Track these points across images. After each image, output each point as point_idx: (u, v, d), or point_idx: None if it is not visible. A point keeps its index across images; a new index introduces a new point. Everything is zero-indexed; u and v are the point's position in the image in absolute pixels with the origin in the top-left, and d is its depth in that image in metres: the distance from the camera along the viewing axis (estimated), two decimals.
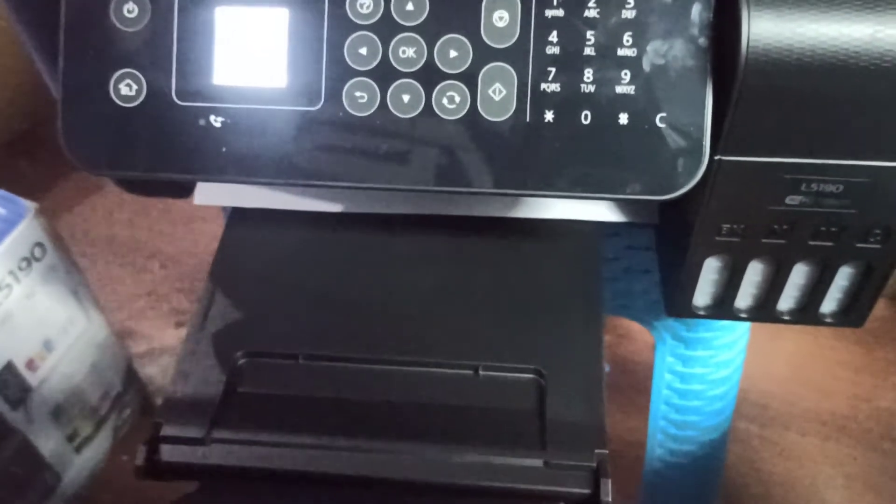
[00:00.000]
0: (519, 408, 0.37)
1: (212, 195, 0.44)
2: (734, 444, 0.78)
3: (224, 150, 0.35)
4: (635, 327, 0.67)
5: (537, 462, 0.35)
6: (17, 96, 1.05)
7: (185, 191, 0.45)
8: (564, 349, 0.39)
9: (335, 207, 0.44)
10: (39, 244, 0.70)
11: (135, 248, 1.00)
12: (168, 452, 0.35)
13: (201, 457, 0.35)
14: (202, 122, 0.35)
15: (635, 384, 0.84)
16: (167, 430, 0.35)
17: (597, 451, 0.34)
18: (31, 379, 0.71)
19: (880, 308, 0.94)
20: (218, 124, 0.35)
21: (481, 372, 0.38)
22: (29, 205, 0.69)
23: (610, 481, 0.33)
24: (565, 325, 0.40)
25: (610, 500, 0.33)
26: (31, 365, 0.71)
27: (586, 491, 0.33)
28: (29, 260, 0.69)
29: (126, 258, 0.99)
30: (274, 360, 0.38)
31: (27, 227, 0.68)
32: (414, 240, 0.44)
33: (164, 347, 0.91)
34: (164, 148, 0.36)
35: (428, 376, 0.38)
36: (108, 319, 0.80)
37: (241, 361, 0.38)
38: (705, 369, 0.56)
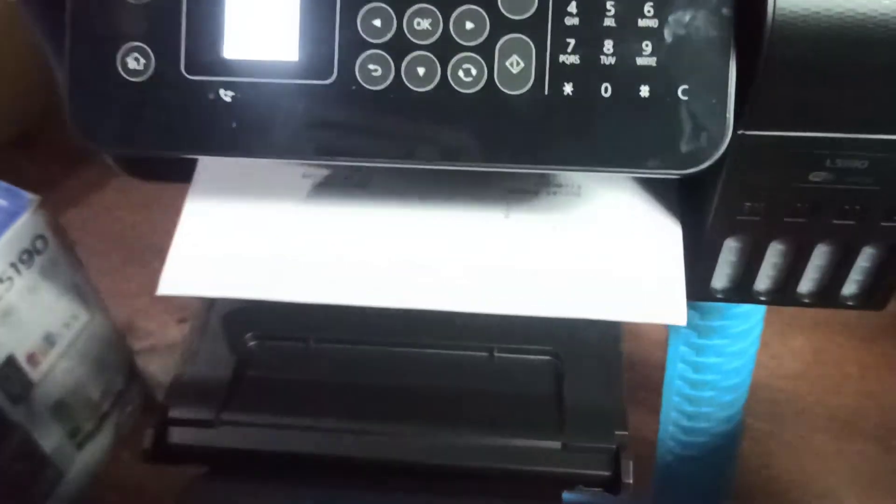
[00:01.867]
0: (535, 390, 0.36)
1: (180, 284, 0.39)
2: (744, 442, 0.78)
3: (234, 125, 0.34)
4: (644, 325, 0.66)
5: (556, 444, 0.34)
6: (18, 96, 1.04)
7: (187, 175, 0.44)
8: (581, 332, 0.38)
9: (319, 297, 0.38)
10: (41, 237, 0.69)
11: (138, 244, 1.00)
12: (177, 435, 0.34)
13: (210, 439, 0.34)
14: (212, 96, 0.34)
15: (643, 382, 0.83)
16: (175, 413, 0.35)
17: (617, 432, 0.33)
18: (33, 374, 0.70)
19: (890, 304, 0.93)
20: (228, 99, 0.34)
21: (496, 354, 0.37)
22: (31, 197, 0.68)
23: (631, 462, 0.32)
24: None
25: (631, 481, 0.32)
26: (32, 359, 0.70)
27: (606, 473, 0.33)
28: (31, 252, 0.68)
29: (129, 254, 0.98)
30: (284, 342, 0.38)
31: (29, 220, 0.68)
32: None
33: (167, 344, 0.90)
34: (173, 123, 0.35)
35: (441, 358, 0.37)
36: (111, 315, 0.80)
37: (251, 344, 0.37)
38: (718, 359, 0.55)
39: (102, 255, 0.97)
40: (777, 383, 0.90)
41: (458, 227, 0.38)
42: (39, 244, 0.69)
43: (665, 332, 0.57)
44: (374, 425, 0.35)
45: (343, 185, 0.40)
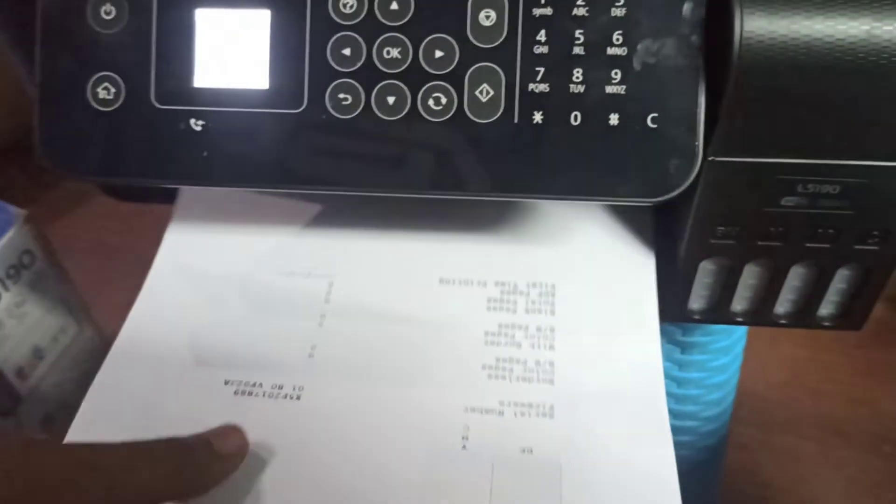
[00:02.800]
0: None
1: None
2: (733, 450, 0.78)
3: (205, 154, 0.34)
4: None
5: None
6: (8, 104, 1.04)
7: (167, 196, 0.44)
8: None
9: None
10: (28, 251, 0.69)
11: (126, 255, 0.99)
12: None
13: None
14: (182, 125, 0.34)
15: None
16: None
17: None
18: (21, 388, 0.70)
19: (878, 310, 0.93)
20: (198, 128, 0.34)
21: None
22: (17, 212, 0.68)
23: None
24: None
25: None
26: (20, 374, 0.70)
27: None
28: (18, 268, 0.68)
29: (117, 266, 0.98)
30: None
31: (16, 235, 0.67)
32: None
33: None
34: (144, 153, 0.35)
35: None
36: (100, 328, 0.79)
37: None
38: (701, 374, 0.55)
39: (91, 265, 0.96)
40: (766, 391, 0.90)
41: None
42: (27, 259, 0.69)
43: None
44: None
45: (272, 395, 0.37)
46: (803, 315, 0.40)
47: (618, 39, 0.33)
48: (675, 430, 0.58)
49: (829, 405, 0.89)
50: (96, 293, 0.91)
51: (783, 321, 0.41)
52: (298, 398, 0.36)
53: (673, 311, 0.41)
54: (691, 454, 0.59)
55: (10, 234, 0.67)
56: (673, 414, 0.57)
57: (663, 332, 0.53)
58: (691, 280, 0.39)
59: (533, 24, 0.33)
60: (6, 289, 0.67)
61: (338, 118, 0.34)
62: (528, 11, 0.33)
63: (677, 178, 0.33)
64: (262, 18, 0.34)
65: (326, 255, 0.41)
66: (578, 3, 0.33)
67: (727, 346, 0.54)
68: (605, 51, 0.33)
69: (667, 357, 0.54)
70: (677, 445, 0.58)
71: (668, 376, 0.55)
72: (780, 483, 0.82)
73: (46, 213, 1.02)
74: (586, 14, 0.33)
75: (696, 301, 0.41)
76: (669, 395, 0.56)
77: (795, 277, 0.39)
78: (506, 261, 0.40)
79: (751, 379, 0.88)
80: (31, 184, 1.01)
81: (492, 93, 0.33)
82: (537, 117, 0.33)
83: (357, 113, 0.34)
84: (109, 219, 1.05)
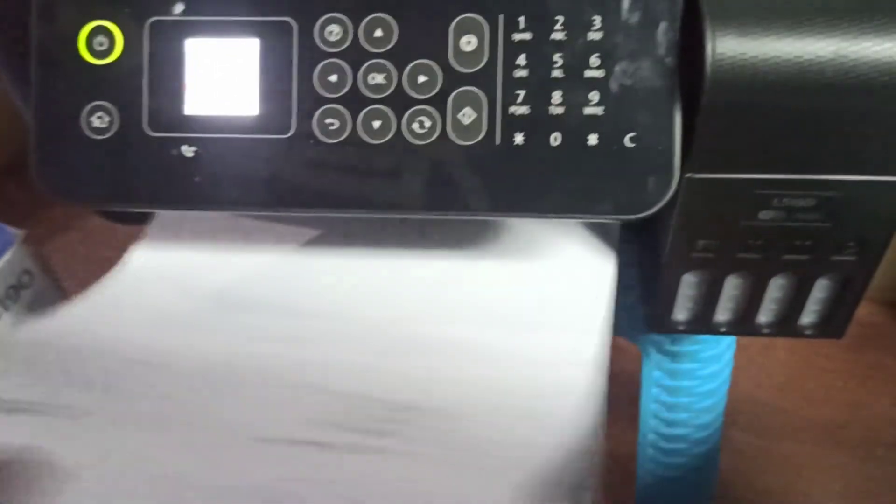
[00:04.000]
0: None
1: None
2: (729, 455, 0.78)
3: (197, 179, 0.35)
4: (624, 340, 0.67)
5: None
6: (7, 122, 1.05)
7: None
8: None
9: None
10: (27, 271, 0.70)
11: None
12: None
13: None
14: (174, 152, 0.35)
15: (629, 397, 0.84)
16: None
17: None
18: None
19: (870, 314, 0.94)
20: (190, 154, 0.35)
21: None
22: (16, 232, 0.69)
23: None
24: None
25: None
26: None
27: None
28: (17, 288, 0.69)
29: None
30: None
31: (15, 255, 0.68)
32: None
33: None
34: (137, 179, 0.36)
35: None
36: None
37: None
38: (692, 382, 0.55)
39: (89, 282, 0.97)
40: (762, 395, 0.91)
41: None
42: (25, 279, 0.70)
43: None
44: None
45: None
46: (785, 324, 0.41)
47: (595, 62, 0.34)
48: (667, 439, 0.59)
49: (824, 410, 0.89)
50: None
51: (766, 330, 0.42)
52: None
53: (659, 322, 0.42)
54: (684, 461, 0.59)
55: (9, 254, 0.68)
56: (665, 422, 0.58)
57: (652, 343, 0.54)
58: (675, 292, 0.40)
59: (513, 49, 0.34)
60: (6, 308, 0.68)
61: (325, 142, 0.35)
62: (507, 37, 0.34)
63: (655, 195, 0.34)
64: (250, 47, 0.35)
65: None
66: (556, 27, 0.34)
67: (716, 354, 0.54)
68: (583, 73, 0.34)
69: (657, 366, 0.55)
70: (670, 453, 0.59)
71: (658, 385, 0.56)
72: (777, 488, 0.83)
73: (45, 231, 1.02)
74: (564, 38, 0.34)
75: (681, 312, 0.42)
76: (662, 403, 0.57)
77: (776, 288, 0.40)
78: None
79: (746, 385, 0.89)
80: (29, 201, 1.02)
81: (474, 115, 0.34)
82: (518, 139, 0.34)
83: (344, 137, 0.35)
84: (108, 236, 1.05)
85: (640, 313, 0.52)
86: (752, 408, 0.90)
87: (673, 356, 0.54)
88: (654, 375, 0.56)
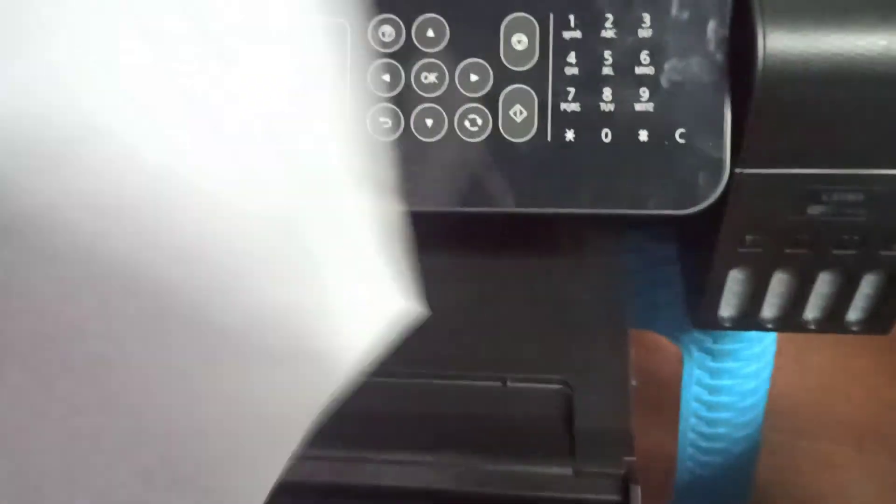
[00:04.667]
0: (547, 418, 0.38)
1: None
2: (766, 456, 0.78)
3: None
4: (664, 340, 0.67)
5: (567, 471, 0.35)
6: None
7: None
8: (591, 361, 0.39)
9: None
10: None
11: None
12: None
13: None
14: None
15: (664, 397, 0.84)
16: None
17: (625, 458, 0.35)
18: None
19: None
20: None
21: (509, 384, 0.38)
22: None
23: (639, 488, 0.33)
24: (592, 337, 0.40)
25: None
26: None
27: (616, 498, 0.34)
28: None
29: None
30: None
31: None
32: (442, 255, 0.44)
33: None
34: None
35: (456, 388, 0.39)
36: None
37: None
38: (733, 381, 0.56)
39: None
40: (799, 396, 0.90)
41: None
42: None
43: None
44: (387, 453, 0.36)
45: None
46: (831, 320, 0.41)
47: (645, 59, 0.34)
48: (708, 437, 0.59)
49: (860, 410, 0.89)
50: None
51: (812, 327, 0.42)
52: None
53: (704, 319, 0.42)
54: (725, 461, 0.59)
55: None
56: (706, 421, 0.58)
57: (694, 341, 0.54)
58: (721, 289, 0.40)
59: (563, 47, 0.34)
60: None
61: (378, 140, 0.36)
62: (558, 35, 0.34)
63: (705, 190, 0.34)
64: None
65: None
66: (606, 25, 0.34)
67: (758, 353, 0.55)
68: (633, 70, 0.34)
69: (698, 365, 0.55)
70: (710, 452, 0.59)
71: (700, 384, 0.56)
72: (813, 488, 0.83)
73: None
74: (614, 36, 0.34)
75: (727, 309, 0.42)
76: (702, 402, 0.57)
77: (823, 284, 0.40)
78: None
79: (782, 385, 0.88)
80: None
81: (525, 113, 0.35)
82: (569, 135, 0.35)
83: (397, 135, 0.36)
84: None
85: (681, 311, 0.53)
86: (790, 409, 0.89)
87: (714, 355, 0.54)
88: (696, 374, 0.56)
